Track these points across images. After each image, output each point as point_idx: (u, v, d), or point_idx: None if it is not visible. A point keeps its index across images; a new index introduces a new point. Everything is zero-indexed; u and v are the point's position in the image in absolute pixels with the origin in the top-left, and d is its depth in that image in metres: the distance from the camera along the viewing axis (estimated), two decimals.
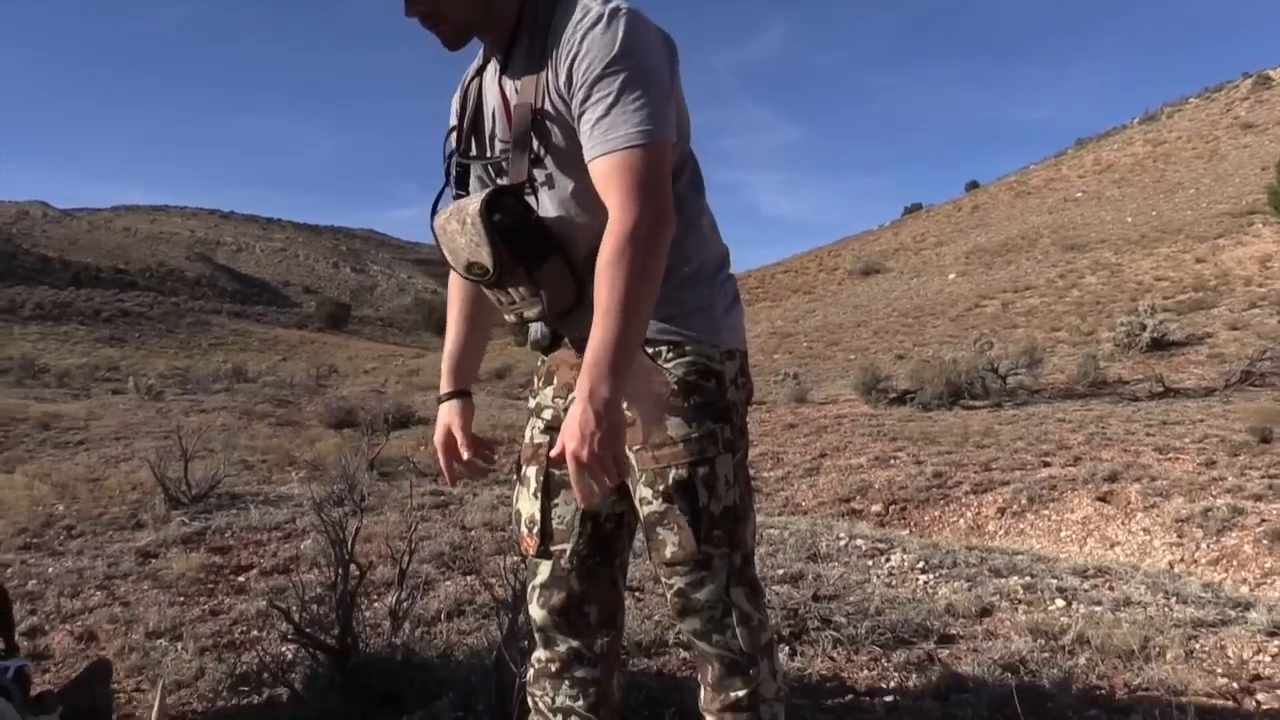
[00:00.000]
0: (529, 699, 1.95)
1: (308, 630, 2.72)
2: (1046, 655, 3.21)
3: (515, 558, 2.78)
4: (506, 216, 1.65)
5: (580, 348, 1.78)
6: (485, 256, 1.66)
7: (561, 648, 1.88)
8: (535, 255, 1.68)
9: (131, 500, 6.13)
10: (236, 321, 64.23)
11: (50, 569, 4.44)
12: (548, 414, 1.89)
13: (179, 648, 3.29)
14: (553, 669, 1.89)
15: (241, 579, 4.27)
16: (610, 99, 1.57)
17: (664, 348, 1.74)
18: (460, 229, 1.68)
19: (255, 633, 3.51)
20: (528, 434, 1.92)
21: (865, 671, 3.00)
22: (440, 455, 2.00)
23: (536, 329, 1.85)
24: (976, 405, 12.55)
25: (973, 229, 40.34)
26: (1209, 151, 42.24)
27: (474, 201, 1.66)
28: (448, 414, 2.00)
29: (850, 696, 2.82)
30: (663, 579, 1.79)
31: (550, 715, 1.88)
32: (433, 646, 3.01)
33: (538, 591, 1.87)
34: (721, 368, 1.77)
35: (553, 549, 1.84)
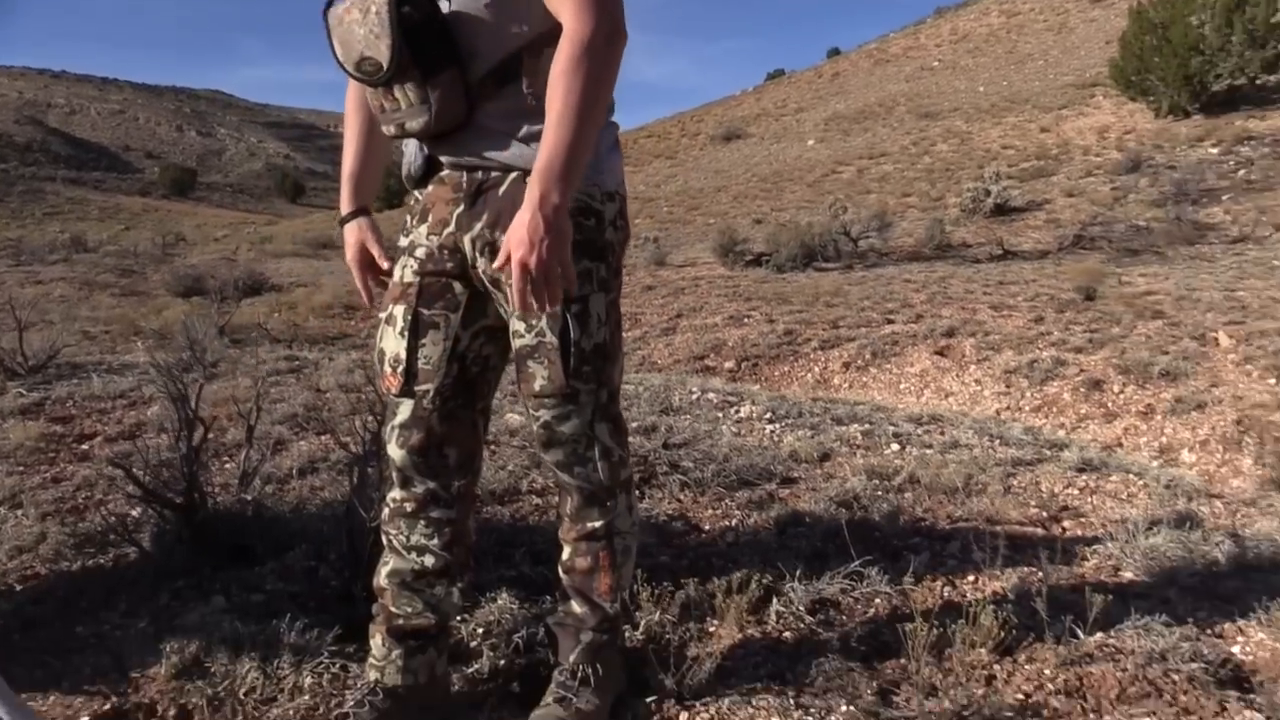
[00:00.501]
0: (384, 537, 1.96)
1: (153, 488, 2.68)
2: (879, 493, 3.42)
3: (371, 417, 2.79)
4: (415, 10, 1.61)
5: (465, 172, 1.78)
6: (383, 50, 1.61)
7: (419, 488, 1.89)
8: (434, 60, 1.64)
9: None
10: (73, 189, 60.23)
11: None
12: (421, 253, 1.84)
13: (19, 514, 3.20)
14: (408, 509, 1.90)
15: (85, 447, 4.14)
16: None
17: None
18: (361, 19, 1.62)
19: (100, 497, 3.43)
20: (397, 273, 1.88)
21: (710, 511, 3.15)
22: (356, 274, 1.96)
23: (411, 154, 1.82)
24: (828, 267, 12.92)
25: (832, 96, 40.64)
26: (1059, 24, 43.21)
27: None
28: (357, 231, 1.95)
29: (695, 534, 2.97)
30: (530, 411, 1.82)
31: (405, 553, 1.91)
32: (284, 502, 3.02)
33: (397, 431, 1.86)
34: (601, 208, 1.79)
35: (416, 389, 1.83)
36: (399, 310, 1.84)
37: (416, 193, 1.88)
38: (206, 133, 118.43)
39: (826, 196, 19.79)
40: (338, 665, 2.01)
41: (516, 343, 1.78)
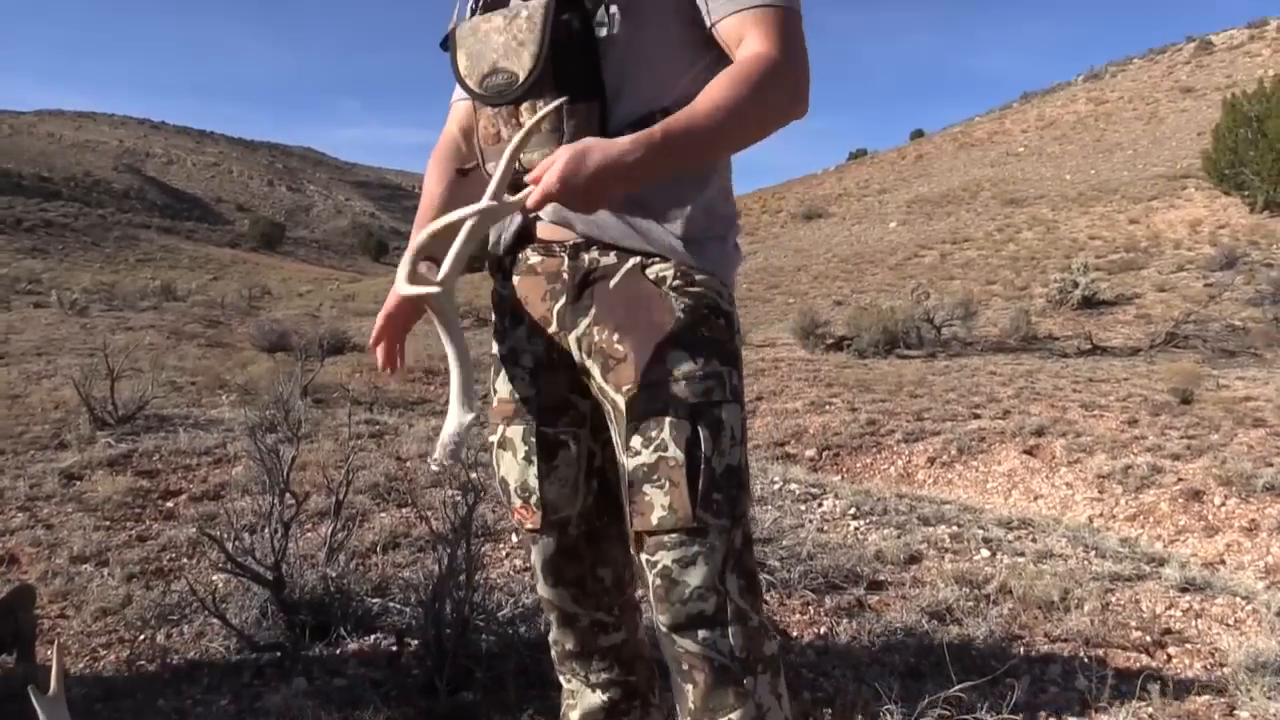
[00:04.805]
0: (560, 678, 1.81)
1: (241, 560, 2.67)
2: (971, 604, 3.29)
3: (452, 491, 2.76)
4: (574, 19, 1.41)
5: (567, 256, 1.55)
6: (524, 59, 1.41)
7: (584, 622, 1.71)
8: (574, 86, 1.41)
9: (54, 419, 5.97)
10: (166, 237, 62.45)
11: None
12: (528, 361, 1.60)
13: (104, 573, 3.23)
14: (578, 649, 1.73)
15: (170, 504, 4.19)
16: None
17: (670, 273, 1.48)
18: (504, 25, 1.43)
19: (184, 560, 3.45)
20: (502, 388, 1.64)
21: (798, 615, 3.05)
22: (381, 325, 1.70)
23: (505, 221, 1.58)
24: (911, 354, 12.74)
25: (915, 178, 40.59)
26: (1149, 113, 42.82)
27: None
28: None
29: (785, 641, 2.86)
30: (644, 557, 1.47)
31: (590, 691, 1.75)
32: (366, 579, 2.99)
33: (545, 568, 1.67)
34: (730, 309, 1.54)
35: (554, 519, 1.61)
36: (515, 432, 1.61)
37: (500, 287, 1.65)
38: (296, 188, 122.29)
39: (908, 281, 19.63)
40: None
41: (630, 463, 1.45)
